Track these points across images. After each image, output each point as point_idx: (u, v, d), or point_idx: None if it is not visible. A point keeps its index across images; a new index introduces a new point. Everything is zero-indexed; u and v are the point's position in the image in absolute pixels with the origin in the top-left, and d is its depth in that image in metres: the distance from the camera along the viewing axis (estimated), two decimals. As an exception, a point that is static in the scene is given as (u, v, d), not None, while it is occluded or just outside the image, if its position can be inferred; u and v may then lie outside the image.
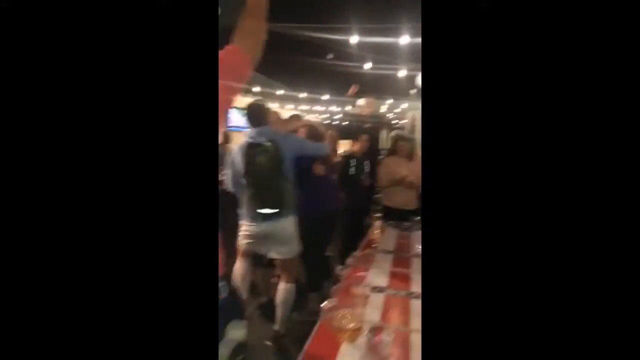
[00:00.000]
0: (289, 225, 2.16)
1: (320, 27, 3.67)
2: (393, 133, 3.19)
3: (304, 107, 9.99)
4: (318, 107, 10.48)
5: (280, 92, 8.00)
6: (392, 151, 3.00)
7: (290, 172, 2.16)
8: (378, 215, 2.59)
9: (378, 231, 2.32)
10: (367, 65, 4.62)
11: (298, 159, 2.21)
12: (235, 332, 1.06)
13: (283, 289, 2.20)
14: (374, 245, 2.08)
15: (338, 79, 5.63)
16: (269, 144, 2.10)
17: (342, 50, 4.14)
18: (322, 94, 8.14)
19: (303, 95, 8.40)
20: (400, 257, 1.91)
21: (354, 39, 3.65)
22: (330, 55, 4.31)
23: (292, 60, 4.87)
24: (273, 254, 2.21)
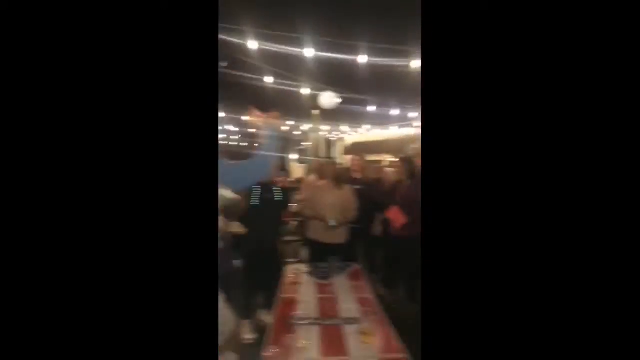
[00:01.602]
0: None
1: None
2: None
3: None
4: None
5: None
6: (317, 173, 2.50)
7: None
8: (291, 259, 2.05)
9: (293, 284, 1.79)
10: (268, 79, 4.14)
11: None
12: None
13: None
14: (291, 314, 1.49)
15: (235, 93, 4.97)
16: None
17: (239, 58, 3.55)
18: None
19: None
20: (329, 330, 1.36)
21: (252, 45, 3.11)
22: (224, 64, 3.67)
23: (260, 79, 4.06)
24: None
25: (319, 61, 3.38)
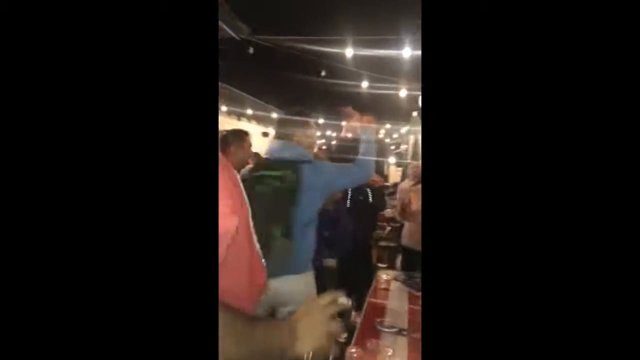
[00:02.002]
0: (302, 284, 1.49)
1: (312, 40, 3.24)
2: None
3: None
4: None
5: (273, 115, 7.62)
6: (414, 177, 2.44)
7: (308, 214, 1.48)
8: (382, 265, 2.03)
9: (384, 290, 1.77)
10: (365, 84, 4.18)
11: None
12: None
13: None
14: (378, 320, 1.47)
15: (334, 99, 5.19)
16: (288, 171, 1.43)
17: (336, 66, 3.70)
18: (316, 117, 7.74)
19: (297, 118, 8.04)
20: (415, 343, 1.30)
21: (349, 52, 3.19)
22: (323, 73, 3.87)
23: (283, 78, 4.45)
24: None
25: (417, 62, 3.26)
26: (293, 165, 1.46)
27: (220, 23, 3.12)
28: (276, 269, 1.21)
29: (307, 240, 1.51)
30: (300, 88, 4.82)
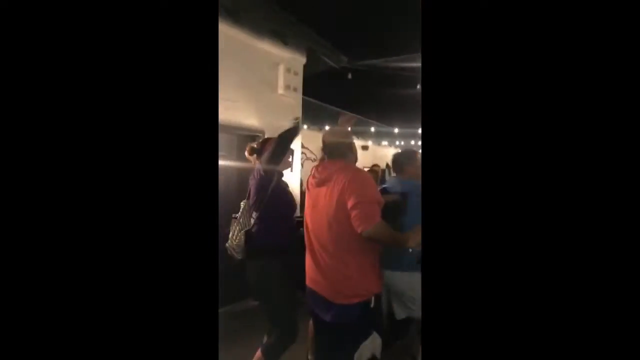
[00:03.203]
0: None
1: (405, 58, 3.43)
2: None
3: (399, 142, 9.65)
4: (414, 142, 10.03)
5: (372, 128, 7.91)
6: None
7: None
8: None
9: None
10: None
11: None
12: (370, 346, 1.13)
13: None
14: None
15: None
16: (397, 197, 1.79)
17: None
18: (417, 127, 7.69)
19: (396, 130, 8.13)
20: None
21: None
22: (419, 86, 3.99)
23: (382, 94, 4.73)
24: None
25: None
26: (403, 194, 1.82)
27: (321, 56, 3.59)
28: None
29: None
30: (398, 103, 5.01)
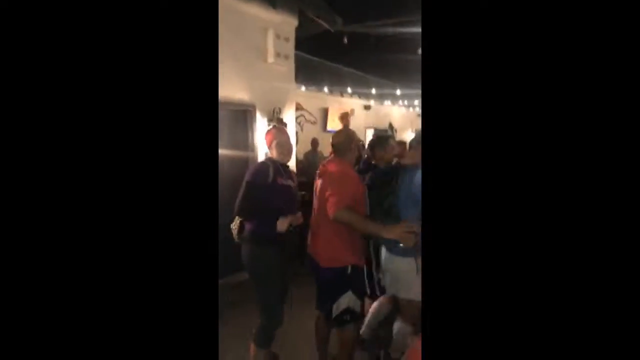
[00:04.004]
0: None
1: (404, 21, 3.17)
2: None
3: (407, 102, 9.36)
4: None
5: (374, 90, 7.61)
6: None
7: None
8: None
9: None
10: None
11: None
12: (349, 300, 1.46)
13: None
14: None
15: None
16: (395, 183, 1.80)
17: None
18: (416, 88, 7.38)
19: (398, 92, 7.82)
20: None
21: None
22: (419, 51, 3.73)
23: (381, 60, 4.47)
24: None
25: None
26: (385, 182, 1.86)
27: (315, 18, 3.33)
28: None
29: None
30: (398, 68, 4.74)
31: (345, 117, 2.69)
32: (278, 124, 2.87)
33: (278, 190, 1.77)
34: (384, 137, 2.23)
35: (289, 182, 1.84)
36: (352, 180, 1.73)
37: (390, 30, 3.30)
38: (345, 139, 1.83)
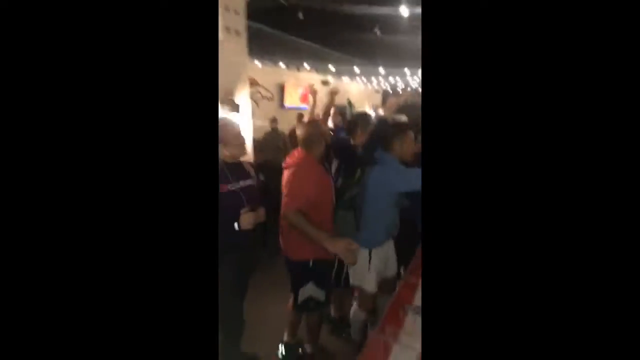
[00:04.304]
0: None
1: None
2: None
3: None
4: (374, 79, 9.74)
5: (331, 66, 7.45)
6: None
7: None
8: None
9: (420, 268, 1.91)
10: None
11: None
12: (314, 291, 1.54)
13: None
14: (409, 300, 1.65)
15: (392, 51, 4.91)
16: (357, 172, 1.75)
17: (390, 22, 3.47)
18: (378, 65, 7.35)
19: (356, 69, 7.73)
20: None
21: (403, 11, 2.96)
22: (377, 31, 3.66)
23: (337, 37, 4.32)
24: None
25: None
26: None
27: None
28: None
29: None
30: (355, 45, 4.63)
31: (313, 95, 2.36)
32: (229, 108, 2.68)
33: (225, 199, 1.50)
34: (365, 116, 2.10)
35: (240, 184, 1.64)
36: (313, 177, 1.67)
37: (347, 8, 3.17)
38: (312, 132, 1.73)
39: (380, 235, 1.86)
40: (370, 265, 1.84)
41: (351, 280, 1.94)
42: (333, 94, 2.23)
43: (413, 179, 1.64)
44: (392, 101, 1.91)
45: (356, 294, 2.02)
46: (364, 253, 1.79)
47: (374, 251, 1.84)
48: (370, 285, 1.87)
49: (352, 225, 1.77)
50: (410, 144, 1.81)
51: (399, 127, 1.86)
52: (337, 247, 1.51)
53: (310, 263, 1.77)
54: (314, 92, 2.62)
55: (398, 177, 1.69)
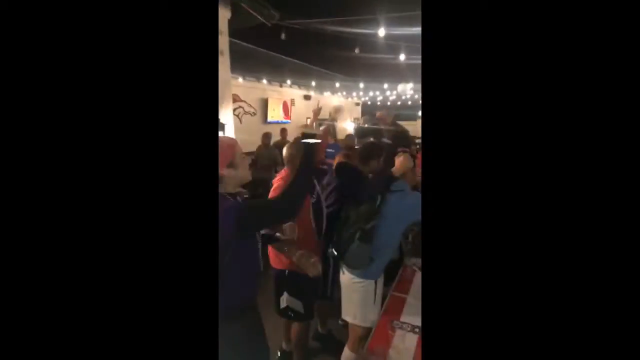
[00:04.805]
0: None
1: (342, 21, 3.16)
2: None
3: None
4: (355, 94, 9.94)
5: (313, 82, 7.57)
6: None
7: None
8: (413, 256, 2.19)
9: (407, 282, 1.98)
10: (402, 56, 4.01)
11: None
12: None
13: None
14: (395, 315, 1.68)
15: (373, 69, 5.07)
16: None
17: (370, 41, 3.59)
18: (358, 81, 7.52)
19: (337, 84, 7.89)
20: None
21: (381, 32, 3.09)
22: (357, 50, 3.78)
23: (319, 55, 4.43)
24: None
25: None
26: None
27: (250, 10, 3.15)
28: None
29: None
30: (336, 62, 4.76)
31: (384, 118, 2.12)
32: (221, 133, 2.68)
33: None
34: (376, 145, 1.95)
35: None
36: (275, 196, 1.68)
37: (329, 28, 3.27)
38: (296, 152, 1.76)
39: (384, 265, 1.76)
40: (375, 297, 1.72)
41: (350, 319, 1.77)
42: (316, 112, 2.20)
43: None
44: (382, 115, 1.94)
45: (350, 331, 1.82)
46: (368, 286, 1.69)
47: (378, 281, 1.73)
48: (372, 317, 1.72)
49: (366, 257, 1.63)
50: (411, 166, 1.71)
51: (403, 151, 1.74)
52: (297, 258, 1.51)
53: (286, 272, 1.83)
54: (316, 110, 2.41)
55: (413, 205, 1.59)
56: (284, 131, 5.48)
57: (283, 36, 3.45)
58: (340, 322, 2.31)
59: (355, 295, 1.71)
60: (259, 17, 3.27)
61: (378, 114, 2.01)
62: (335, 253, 1.73)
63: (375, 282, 1.72)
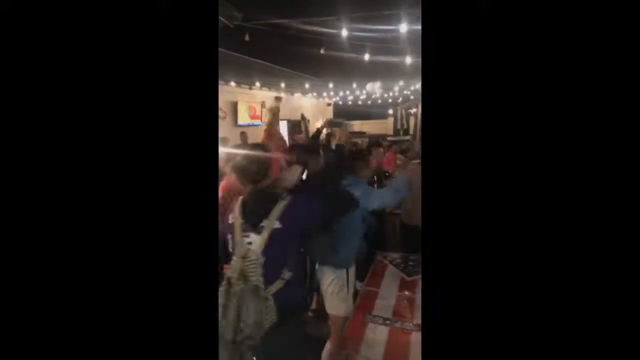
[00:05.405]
0: None
1: (307, 21, 3.17)
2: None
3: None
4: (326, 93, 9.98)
5: (282, 84, 7.53)
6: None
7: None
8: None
9: (379, 276, 1.99)
10: (367, 56, 4.08)
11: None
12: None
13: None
14: (367, 308, 1.71)
15: (340, 69, 5.11)
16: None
17: (336, 41, 3.63)
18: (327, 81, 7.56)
19: (307, 85, 7.89)
20: (397, 335, 1.53)
21: (344, 32, 3.12)
22: (322, 51, 3.81)
23: (283, 55, 4.41)
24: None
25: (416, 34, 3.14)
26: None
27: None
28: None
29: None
30: (303, 65, 4.76)
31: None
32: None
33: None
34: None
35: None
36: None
37: (294, 28, 3.27)
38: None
39: (352, 253, 1.84)
40: (348, 287, 1.78)
41: (327, 308, 1.82)
42: (272, 111, 2.23)
43: (377, 199, 1.76)
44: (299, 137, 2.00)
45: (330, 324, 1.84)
46: (340, 275, 1.76)
47: (350, 270, 1.80)
48: (347, 306, 1.79)
49: (330, 248, 1.70)
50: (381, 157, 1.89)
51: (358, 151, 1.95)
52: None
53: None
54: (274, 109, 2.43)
55: (369, 197, 1.75)
56: (243, 135, 5.36)
57: (247, 37, 3.40)
58: (309, 313, 2.30)
59: (330, 288, 1.76)
60: (221, 18, 3.21)
61: (296, 136, 2.09)
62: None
63: (347, 271, 1.77)
